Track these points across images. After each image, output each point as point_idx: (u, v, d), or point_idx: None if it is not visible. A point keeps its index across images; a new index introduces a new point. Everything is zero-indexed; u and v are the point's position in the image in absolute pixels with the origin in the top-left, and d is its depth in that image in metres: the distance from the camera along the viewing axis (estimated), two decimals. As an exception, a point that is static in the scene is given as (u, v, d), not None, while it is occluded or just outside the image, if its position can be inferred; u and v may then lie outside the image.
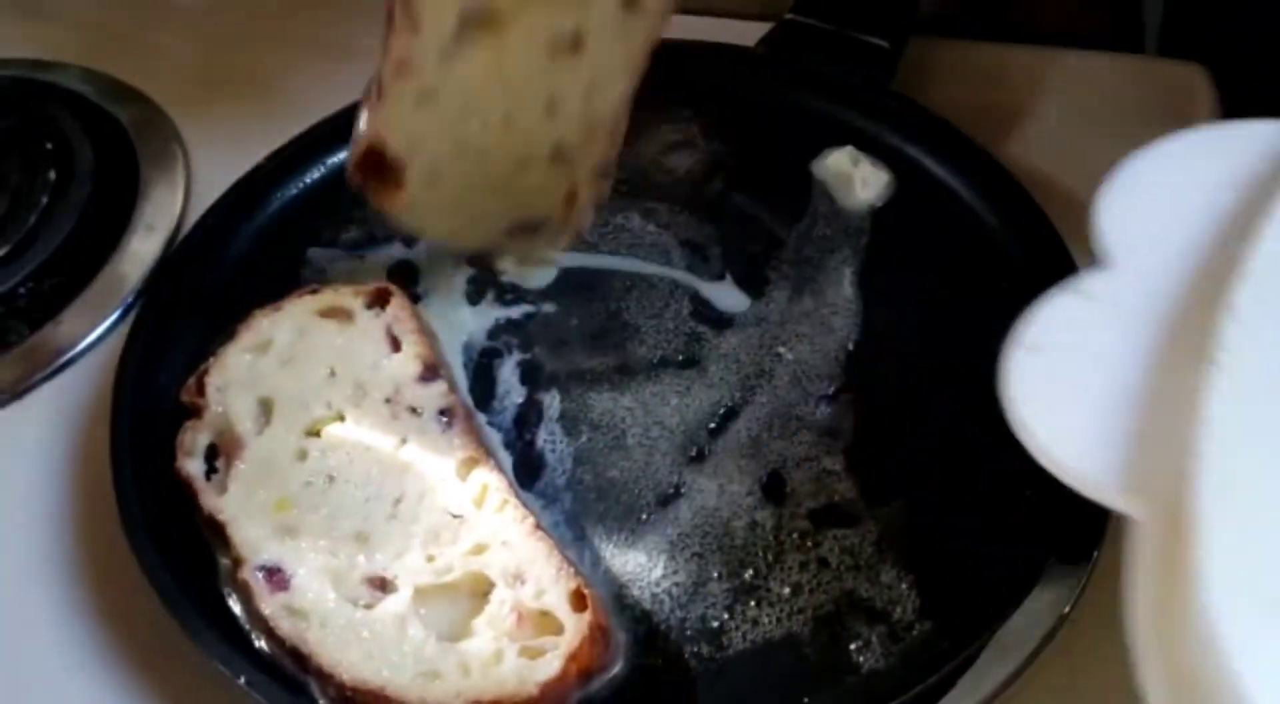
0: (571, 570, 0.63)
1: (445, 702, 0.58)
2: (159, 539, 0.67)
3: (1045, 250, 0.74)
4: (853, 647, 0.62)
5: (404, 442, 0.69)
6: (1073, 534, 0.63)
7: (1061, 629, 0.62)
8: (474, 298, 0.79)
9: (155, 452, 0.71)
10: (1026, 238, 0.76)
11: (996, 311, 0.69)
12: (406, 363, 0.72)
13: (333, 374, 0.72)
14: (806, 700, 0.61)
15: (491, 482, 0.67)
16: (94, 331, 0.82)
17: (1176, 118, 0.86)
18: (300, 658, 0.61)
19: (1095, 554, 0.62)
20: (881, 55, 0.86)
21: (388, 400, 0.70)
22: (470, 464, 0.68)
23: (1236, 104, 0.88)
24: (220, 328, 0.76)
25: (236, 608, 0.65)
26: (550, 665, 0.59)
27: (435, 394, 0.71)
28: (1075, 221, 0.72)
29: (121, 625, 0.69)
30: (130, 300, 0.83)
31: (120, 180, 0.91)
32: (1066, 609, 0.61)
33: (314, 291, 0.76)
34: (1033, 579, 0.62)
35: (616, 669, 0.62)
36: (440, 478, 0.67)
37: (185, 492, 0.69)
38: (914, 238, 0.80)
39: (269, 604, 0.63)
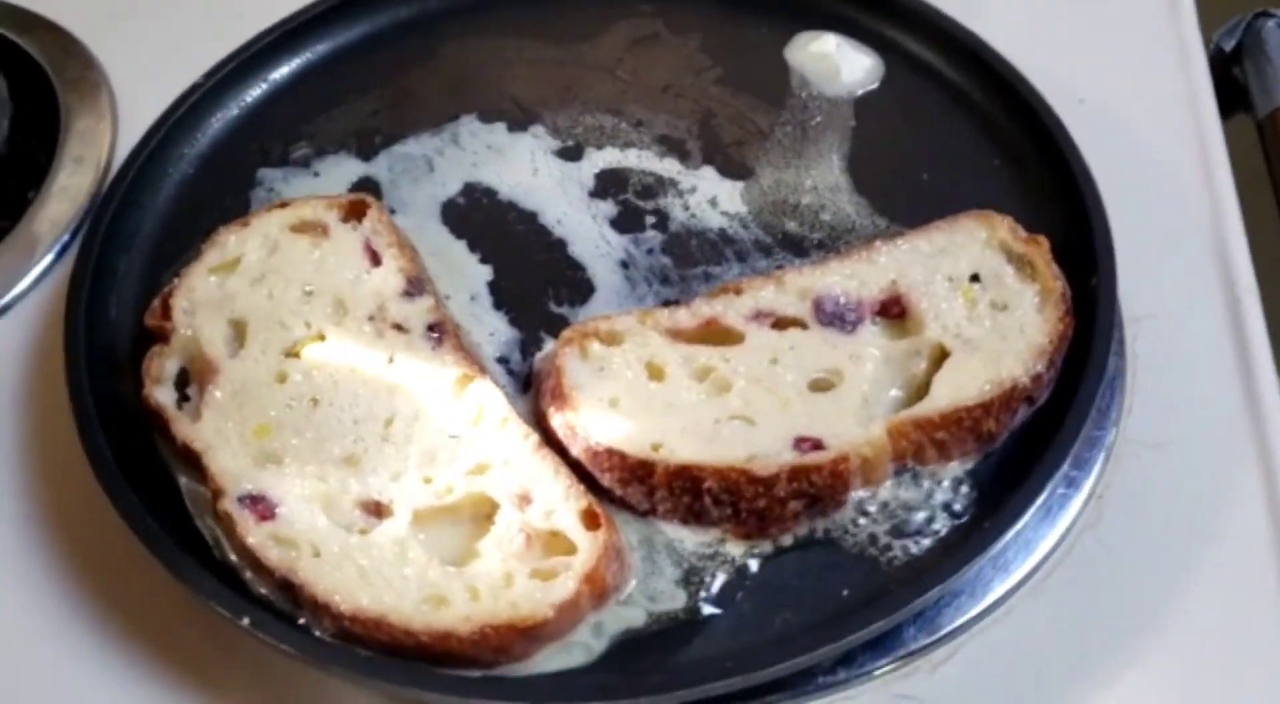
0: (581, 488, 0.59)
1: (453, 627, 0.55)
2: (133, 480, 0.62)
3: (1037, 125, 0.73)
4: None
5: (391, 360, 0.64)
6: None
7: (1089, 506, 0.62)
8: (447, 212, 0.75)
9: (116, 389, 0.67)
10: (1018, 115, 0.74)
11: (991, 190, 0.71)
12: (388, 277, 0.67)
13: (309, 292, 0.67)
14: (845, 593, 0.59)
15: (489, 398, 0.62)
16: (28, 274, 0.76)
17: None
18: (292, 590, 0.57)
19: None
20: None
21: (371, 318, 0.66)
22: (464, 381, 0.63)
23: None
24: (173, 257, 0.72)
25: (218, 544, 0.61)
26: (565, 586, 0.56)
27: (421, 309, 0.66)
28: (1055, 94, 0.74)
29: (100, 573, 0.64)
30: (67, 239, 0.77)
31: (40, 114, 0.85)
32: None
33: (283, 205, 0.71)
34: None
35: (630, 588, 0.59)
36: (433, 397, 0.63)
37: (154, 422, 0.64)
38: (901, 120, 0.78)
39: (254, 534, 0.58)
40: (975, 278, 0.67)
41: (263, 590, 0.59)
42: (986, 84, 0.77)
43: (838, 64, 0.80)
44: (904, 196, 0.73)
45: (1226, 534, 0.64)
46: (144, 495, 0.62)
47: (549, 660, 0.56)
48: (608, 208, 0.75)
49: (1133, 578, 0.62)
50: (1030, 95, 0.74)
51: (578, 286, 0.71)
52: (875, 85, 0.80)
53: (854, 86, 0.79)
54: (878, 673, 0.59)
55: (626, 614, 0.59)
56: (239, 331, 0.66)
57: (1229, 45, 0.89)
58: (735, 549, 0.60)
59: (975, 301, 0.66)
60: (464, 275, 0.72)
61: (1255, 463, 0.66)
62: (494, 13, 0.85)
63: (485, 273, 0.72)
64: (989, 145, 0.75)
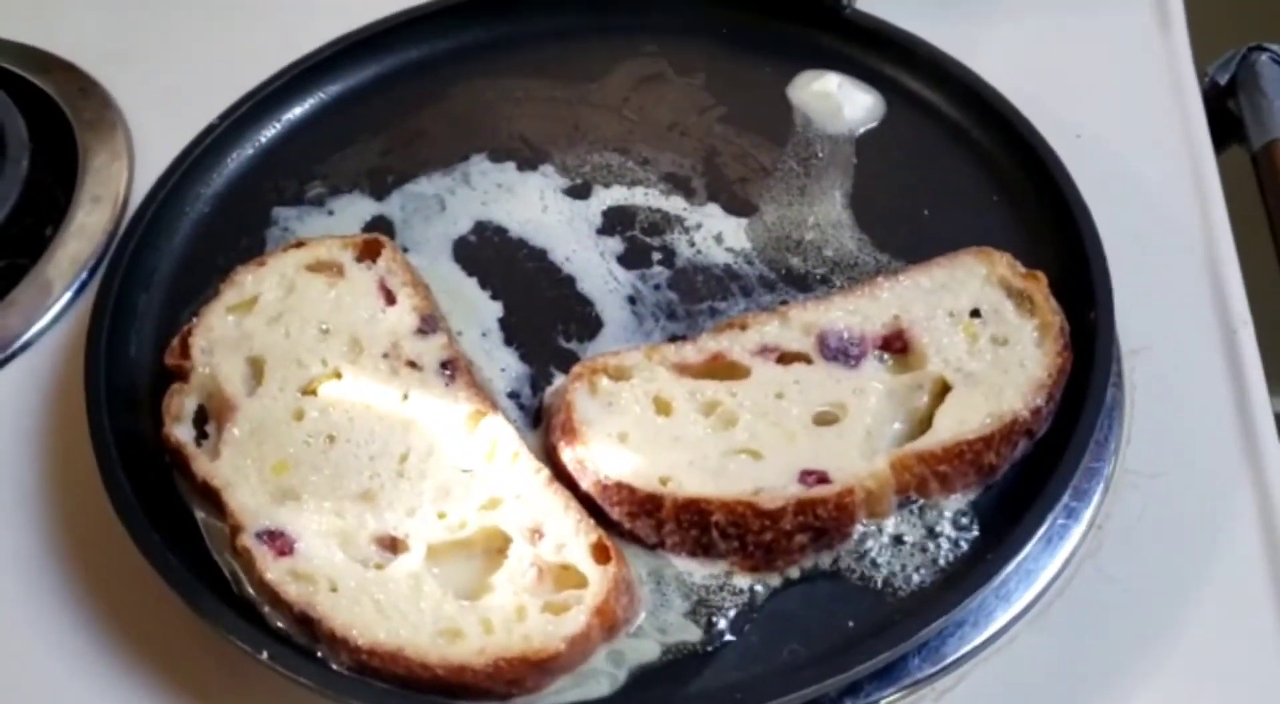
0: (591, 522, 0.61)
1: (468, 660, 0.56)
2: (152, 517, 0.64)
3: (1035, 162, 0.74)
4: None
5: (406, 397, 0.66)
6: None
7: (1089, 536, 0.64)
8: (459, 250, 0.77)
9: (135, 426, 0.69)
10: (1016, 151, 0.76)
11: (991, 225, 0.73)
12: (403, 316, 0.69)
13: (326, 330, 0.69)
14: (851, 624, 0.60)
15: (501, 434, 0.64)
16: (48, 311, 0.78)
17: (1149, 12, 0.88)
18: (310, 624, 0.58)
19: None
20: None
21: (386, 355, 0.67)
22: (477, 417, 0.65)
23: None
24: (191, 296, 0.74)
25: (236, 579, 0.62)
26: (576, 620, 0.57)
27: (435, 347, 0.68)
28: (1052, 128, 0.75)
29: (121, 608, 0.66)
30: (85, 277, 0.79)
31: (58, 153, 0.86)
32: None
33: (299, 244, 0.73)
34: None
35: (640, 620, 0.60)
36: (447, 432, 0.64)
37: (173, 459, 0.66)
38: (902, 157, 0.79)
39: (273, 570, 0.60)
40: (976, 313, 0.68)
41: (280, 624, 0.60)
42: (985, 121, 0.79)
43: (840, 103, 0.82)
44: (905, 232, 0.75)
45: (1224, 562, 0.65)
46: (163, 532, 0.63)
47: (569, 692, 0.58)
48: (615, 244, 0.77)
49: (1133, 606, 0.64)
50: (1028, 132, 0.76)
51: (586, 322, 0.73)
52: (876, 123, 0.81)
53: (856, 124, 0.81)
54: (883, 702, 0.60)
55: (639, 646, 0.60)
56: (256, 370, 0.67)
57: (1224, 79, 0.91)
58: (743, 581, 0.62)
59: (976, 336, 0.67)
60: (475, 312, 0.73)
61: (1251, 491, 0.67)
62: (503, 54, 0.87)
63: (496, 309, 0.74)
64: (988, 181, 0.77)
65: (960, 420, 0.63)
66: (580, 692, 0.58)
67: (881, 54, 0.83)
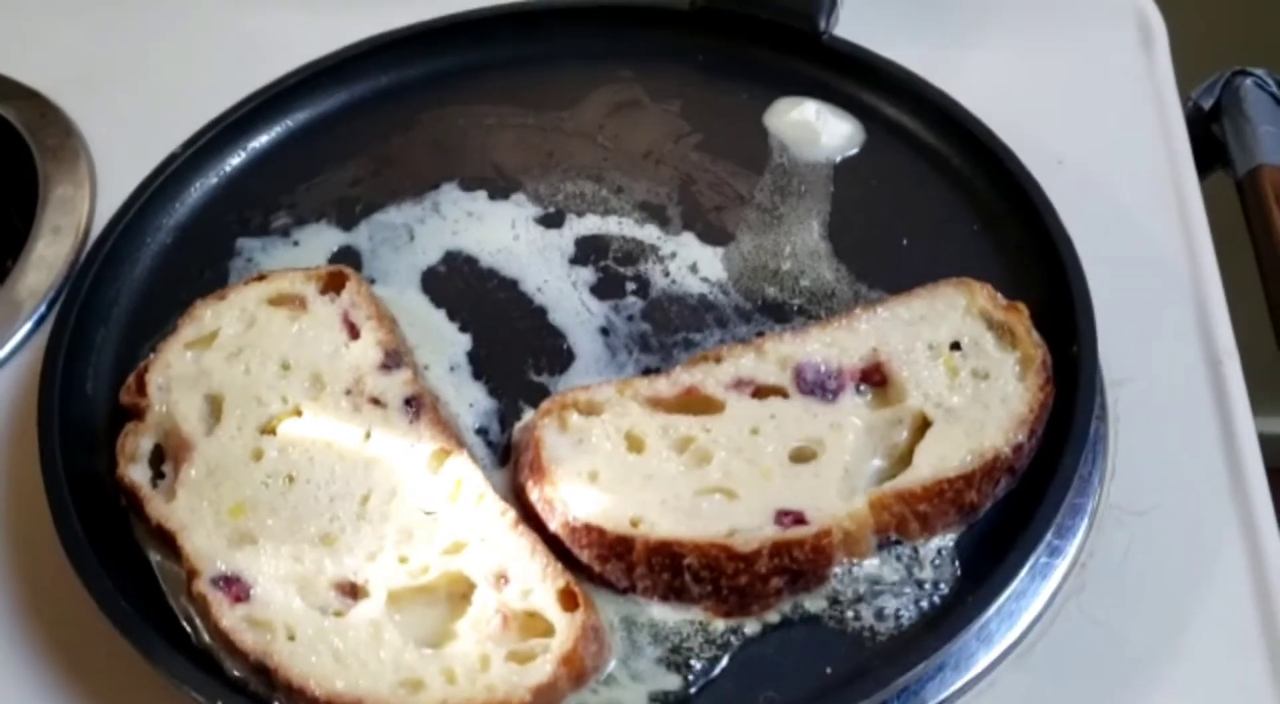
0: (559, 567, 0.59)
1: (430, 712, 0.54)
2: (106, 560, 0.61)
3: (1016, 190, 0.73)
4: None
5: (368, 435, 0.64)
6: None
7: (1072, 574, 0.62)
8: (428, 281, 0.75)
9: (90, 465, 0.66)
10: (997, 179, 0.75)
11: (971, 255, 0.72)
12: (366, 350, 0.67)
13: (287, 366, 0.67)
14: (829, 670, 0.58)
15: (466, 474, 0.62)
16: (5, 345, 0.75)
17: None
18: (267, 673, 0.56)
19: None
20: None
21: (348, 392, 0.65)
22: (442, 456, 0.63)
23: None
24: (151, 329, 0.72)
25: (193, 625, 0.60)
26: (542, 669, 0.55)
27: (399, 382, 0.66)
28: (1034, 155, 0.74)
29: (74, 653, 0.63)
30: (44, 309, 0.77)
31: (18, 182, 0.85)
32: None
33: (261, 277, 0.71)
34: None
35: (611, 668, 0.58)
36: (410, 472, 0.62)
37: (128, 501, 0.64)
38: (880, 185, 0.78)
39: (228, 617, 0.58)
40: (956, 345, 0.67)
41: (238, 673, 0.58)
42: (965, 149, 0.77)
43: (818, 130, 0.80)
44: (883, 262, 0.73)
45: (1211, 599, 0.63)
46: (117, 576, 0.61)
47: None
48: (588, 274, 0.75)
49: (1117, 646, 0.62)
50: (1008, 159, 0.74)
51: (558, 355, 0.71)
52: (855, 151, 0.80)
53: (834, 152, 0.80)
54: (862, 749, 0.59)
55: (611, 695, 0.58)
56: (215, 407, 0.65)
57: (1208, 103, 0.90)
58: (717, 627, 0.60)
59: (956, 370, 0.66)
60: (444, 344, 0.72)
61: (1238, 526, 0.65)
62: (475, 80, 0.85)
63: (465, 342, 0.72)
64: (968, 210, 0.75)
65: (940, 457, 0.61)
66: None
67: (860, 81, 0.82)
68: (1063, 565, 0.64)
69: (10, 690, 0.62)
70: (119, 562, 0.62)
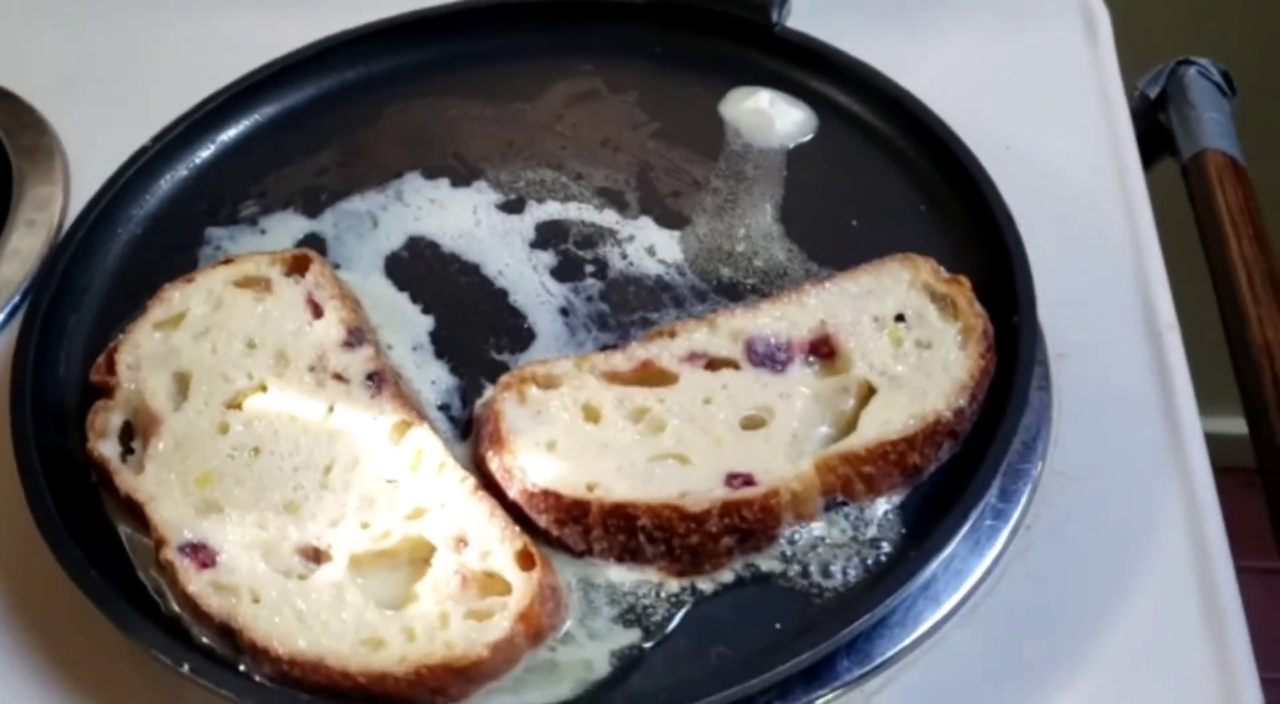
0: (517, 529, 0.60)
1: (390, 668, 0.55)
2: (76, 534, 0.63)
3: (959, 169, 0.75)
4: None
5: (331, 409, 0.66)
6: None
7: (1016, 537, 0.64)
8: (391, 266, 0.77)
9: (61, 444, 0.68)
10: (942, 161, 0.77)
11: (917, 234, 0.74)
12: (329, 329, 0.69)
13: (252, 345, 0.68)
14: (778, 625, 0.60)
15: (427, 444, 0.64)
16: (-20, 335, 0.77)
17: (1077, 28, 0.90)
18: (232, 635, 0.58)
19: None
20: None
21: (312, 368, 0.67)
22: (403, 428, 0.65)
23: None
24: (122, 315, 0.73)
25: (161, 595, 0.62)
26: (499, 626, 0.57)
27: (361, 359, 0.68)
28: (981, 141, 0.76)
29: (44, 625, 0.65)
30: (17, 300, 0.78)
31: (-5, 183, 0.87)
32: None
33: (227, 261, 0.73)
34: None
35: (567, 627, 0.60)
36: (372, 443, 0.64)
37: (98, 475, 0.65)
38: (831, 170, 0.80)
39: (195, 582, 0.59)
40: (900, 317, 0.69)
41: (205, 639, 0.60)
42: (913, 134, 0.80)
43: (771, 118, 0.83)
44: (834, 242, 0.76)
45: (1151, 561, 0.65)
46: (88, 548, 0.62)
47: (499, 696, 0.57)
48: (548, 258, 0.77)
49: (1060, 605, 0.64)
50: (952, 141, 0.77)
51: (518, 334, 0.73)
52: (808, 137, 0.82)
53: (787, 139, 0.82)
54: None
55: (568, 652, 0.60)
56: (182, 385, 0.67)
57: (1154, 92, 0.93)
58: (671, 586, 0.61)
59: (901, 340, 0.68)
60: (407, 326, 0.73)
61: (1178, 492, 0.67)
62: (438, 75, 0.87)
63: (428, 323, 0.74)
64: (916, 192, 0.78)
65: (884, 421, 0.64)
66: (515, 699, 0.58)
67: (812, 70, 0.84)
68: (1007, 529, 0.66)
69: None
70: (89, 536, 0.64)
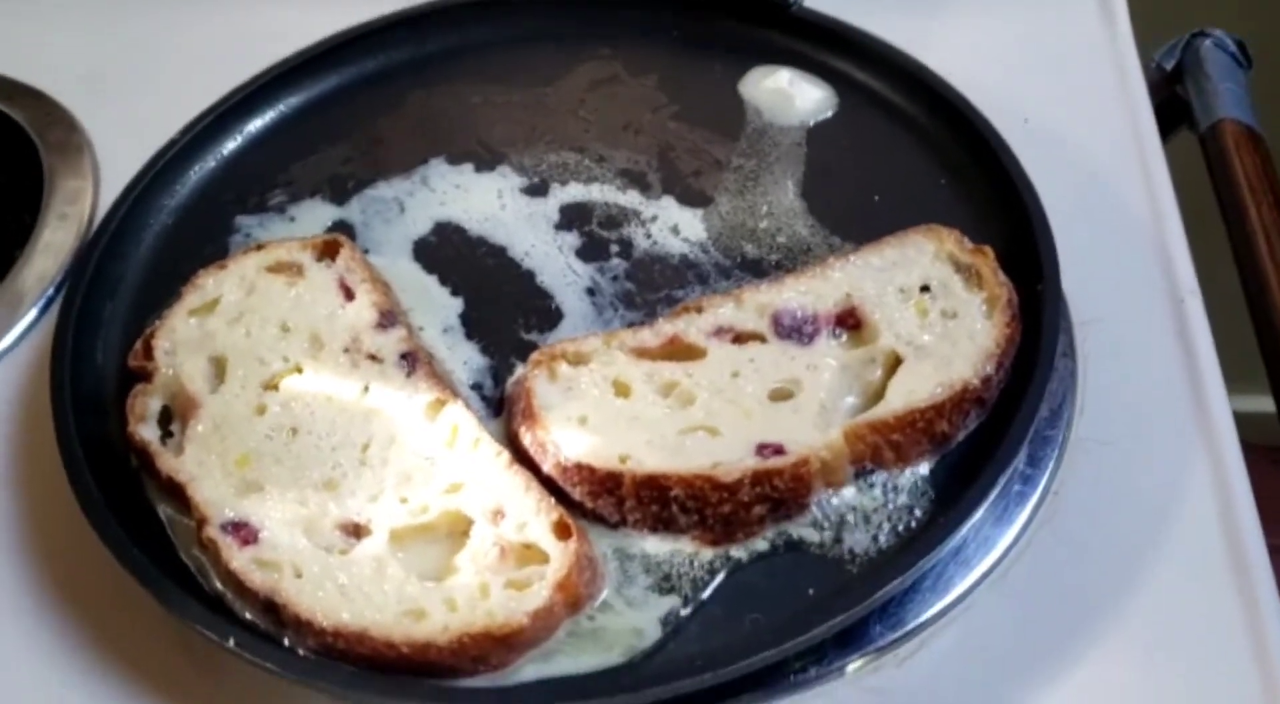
0: (552, 500, 0.61)
1: (433, 638, 0.56)
2: (120, 515, 0.64)
3: (980, 142, 0.76)
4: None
5: (366, 389, 0.67)
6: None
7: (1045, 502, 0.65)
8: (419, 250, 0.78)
9: (101, 430, 0.69)
10: (962, 135, 0.78)
11: (939, 207, 0.75)
12: (362, 311, 0.70)
13: (286, 328, 0.70)
14: (812, 591, 0.60)
15: (462, 421, 0.65)
16: (15, 327, 0.79)
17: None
18: (275, 611, 0.59)
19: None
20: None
21: (346, 350, 0.68)
22: (438, 406, 0.66)
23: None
24: (156, 303, 0.75)
25: (203, 574, 0.63)
26: (538, 595, 0.58)
27: (395, 340, 0.69)
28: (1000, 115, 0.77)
29: (90, 606, 0.66)
30: (52, 292, 0.80)
31: (24, 178, 0.88)
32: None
33: (260, 248, 0.74)
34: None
35: (604, 595, 0.61)
36: (408, 421, 0.65)
37: (139, 458, 0.67)
38: (852, 146, 0.81)
39: (238, 559, 0.60)
40: (925, 288, 0.70)
41: (248, 615, 0.61)
42: (933, 109, 0.80)
43: (791, 96, 0.83)
44: (856, 217, 0.76)
45: (1179, 525, 0.66)
46: (130, 530, 0.64)
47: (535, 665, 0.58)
48: (573, 239, 0.78)
49: (1089, 570, 0.64)
50: (972, 114, 0.77)
51: (546, 314, 0.74)
52: (828, 114, 0.83)
53: (807, 117, 0.83)
54: (848, 669, 0.61)
55: (606, 620, 0.60)
56: (219, 368, 0.68)
57: (1170, 64, 0.93)
58: (705, 555, 0.62)
59: (926, 310, 0.68)
60: (437, 308, 0.75)
61: (1204, 455, 0.68)
62: (459, 62, 0.88)
63: (457, 305, 0.75)
64: (936, 165, 0.78)
65: (911, 390, 0.64)
66: (547, 667, 0.59)
67: (831, 49, 0.85)
68: (1035, 494, 0.66)
69: (30, 642, 0.65)
70: (132, 518, 0.65)
